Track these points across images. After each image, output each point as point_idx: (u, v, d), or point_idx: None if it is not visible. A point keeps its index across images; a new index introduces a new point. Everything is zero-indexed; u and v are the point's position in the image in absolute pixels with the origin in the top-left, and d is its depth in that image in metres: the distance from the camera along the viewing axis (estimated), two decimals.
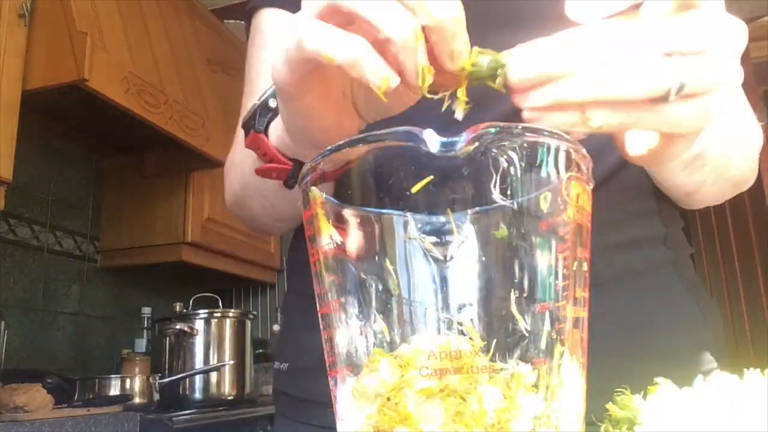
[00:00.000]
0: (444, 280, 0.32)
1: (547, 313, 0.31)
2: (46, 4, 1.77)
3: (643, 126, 0.34)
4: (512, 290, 0.31)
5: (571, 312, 0.31)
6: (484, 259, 0.32)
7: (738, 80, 0.35)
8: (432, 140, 0.30)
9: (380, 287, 0.32)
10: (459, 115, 0.36)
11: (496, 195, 0.31)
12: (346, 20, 0.34)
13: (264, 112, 0.48)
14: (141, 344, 2.42)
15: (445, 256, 0.32)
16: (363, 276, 0.33)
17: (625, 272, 0.57)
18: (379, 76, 0.33)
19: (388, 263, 0.32)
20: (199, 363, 2.03)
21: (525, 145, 0.31)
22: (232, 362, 2.05)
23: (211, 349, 2.06)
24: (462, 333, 0.30)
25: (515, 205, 0.32)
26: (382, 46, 0.34)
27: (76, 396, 1.75)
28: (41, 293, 2.10)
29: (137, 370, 2.12)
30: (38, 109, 1.90)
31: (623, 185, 0.58)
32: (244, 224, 0.71)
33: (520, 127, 0.30)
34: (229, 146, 0.67)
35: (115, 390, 1.82)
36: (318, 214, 0.33)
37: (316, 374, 0.46)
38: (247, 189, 0.61)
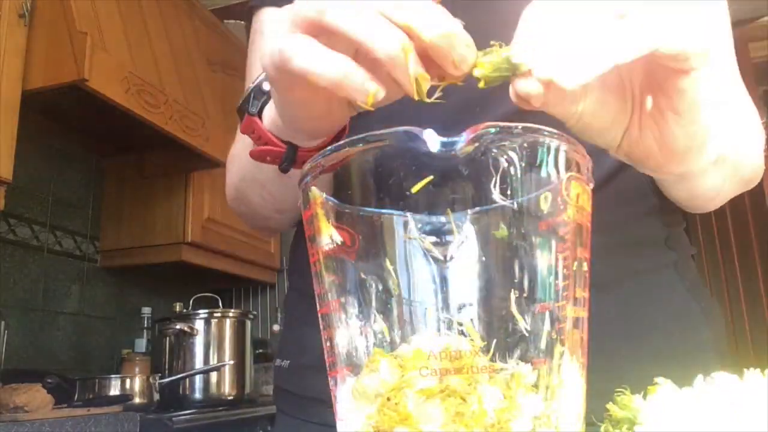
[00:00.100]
0: (444, 280, 0.32)
1: (547, 313, 0.31)
2: (46, 4, 1.77)
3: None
4: (512, 290, 0.31)
5: (571, 312, 0.31)
6: (484, 259, 0.32)
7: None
8: (432, 140, 0.30)
9: (380, 287, 0.32)
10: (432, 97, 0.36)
11: (496, 195, 0.31)
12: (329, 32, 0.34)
13: (258, 95, 0.48)
14: (141, 344, 2.42)
15: (445, 256, 0.32)
16: (363, 276, 0.33)
17: (627, 273, 0.57)
18: (364, 93, 0.34)
19: (388, 263, 0.32)
20: (199, 363, 2.03)
21: (525, 145, 0.31)
22: (232, 362, 2.05)
23: (211, 349, 2.06)
24: (462, 333, 0.30)
25: (515, 205, 0.32)
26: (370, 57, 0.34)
27: (76, 396, 1.75)
28: (41, 293, 2.10)
29: (137, 370, 2.12)
30: (38, 109, 1.90)
31: (624, 186, 0.58)
32: (245, 223, 0.71)
33: (520, 127, 0.30)
34: (229, 146, 0.67)
35: (115, 390, 1.82)
36: (318, 214, 0.33)
37: (317, 372, 0.46)
38: (246, 180, 0.61)
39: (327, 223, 0.33)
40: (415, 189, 0.31)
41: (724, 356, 0.60)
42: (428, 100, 0.34)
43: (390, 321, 0.32)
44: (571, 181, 0.31)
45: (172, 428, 1.60)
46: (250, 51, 0.68)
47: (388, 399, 0.29)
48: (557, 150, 0.31)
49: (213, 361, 2.04)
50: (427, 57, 0.34)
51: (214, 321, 2.09)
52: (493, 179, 0.31)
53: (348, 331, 0.33)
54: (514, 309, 0.31)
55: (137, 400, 1.83)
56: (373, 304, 0.32)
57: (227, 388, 2.05)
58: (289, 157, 0.47)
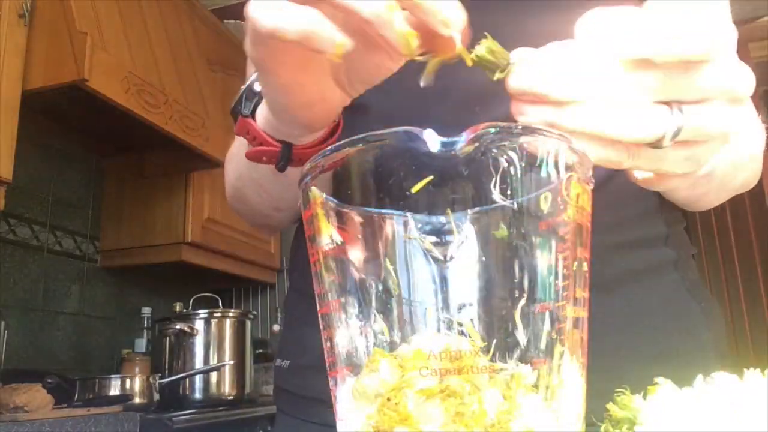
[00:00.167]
0: (444, 280, 0.32)
1: (547, 313, 0.31)
2: (46, 4, 1.77)
3: (637, 166, 0.35)
4: (512, 290, 0.31)
5: (571, 312, 0.31)
6: (484, 259, 0.32)
7: (737, 129, 0.35)
8: (432, 140, 0.30)
9: (380, 287, 0.32)
10: (422, 81, 0.36)
11: (496, 195, 0.31)
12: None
13: (250, 96, 0.48)
14: (141, 344, 2.42)
15: (445, 256, 0.31)
16: (363, 276, 0.33)
17: (626, 272, 0.57)
18: (333, 44, 0.34)
19: (388, 263, 0.32)
20: (199, 363, 2.03)
21: (525, 145, 0.31)
22: (232, 362, 2.05)
23: (211, 349, 2.06)
24: (462, 333, 0.30)
25: (515, 205, 0.32)
26: (359, 24, 0.34)
27: (76, 396, 1.75)
28: (41, 293, 2.10)
29: (137, 370, 2.12)
30: (38, 109, 1.90)
31: (624, 185, 0.58)
32: (245, 221, 0.71)
33: (520, 127, 0.30)
34: (228, 146, 0.67)
35: (115, 390, 1.82)
36: (318, 214, 0.33)
37: (317, 372, 0.46)
38: (242, 179, 0.61)
39: (327, 223, 0.33)
40: (415, 189, 0.31)
41: (724, 356, 0.60)
42: (419, 58, 0.35)
43: (390, 321, 0.32)
44: (571, 181, 0.31)
45: (172, 428, 1.60)
46: None
47: (388, 399, 0.29)
48: (557, 150, 0.31)
49: (213, 361, 2.04)
50: (416, 27, 0.34)
51: (214, 321, 2.09)
52: (493, 179, 0.31)
53: (348, 331, 0.33)
54: (513, 309, 0.31)
55: (137, 400, 1.83)
56: (373, 304, 0.32)
57: (227, 388, 2.05)
58: (285, 156, 0.47)
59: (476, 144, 0.30)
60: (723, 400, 0.32)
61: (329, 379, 0.34)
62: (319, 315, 0.34)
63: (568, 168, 0.31)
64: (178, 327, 2.02)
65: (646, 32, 0.32)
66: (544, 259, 0.32)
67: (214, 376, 2.04)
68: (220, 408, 1.94)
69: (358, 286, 0.33)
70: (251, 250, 2.72)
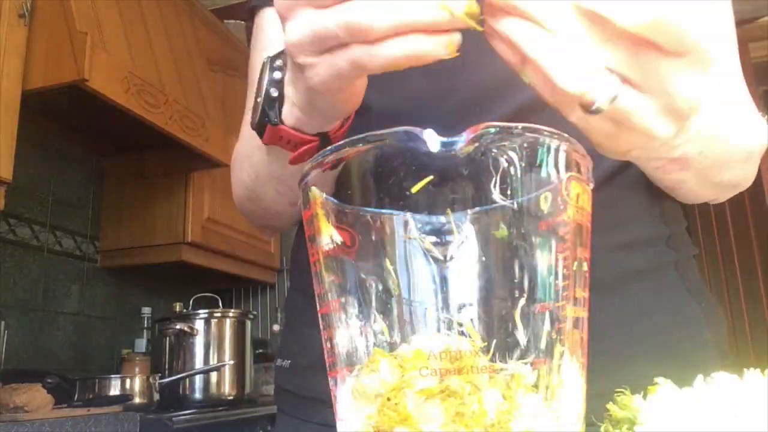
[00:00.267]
0: (444, 280, 0.32)
1: (547, 313, 0.31)
2: (46, 4, 1.77)
3: (571, 120, 0.35)
4: (512, 290, 0.31)
5: (571, 312, 0.31)
6: (484, 259, 0.32)
7: (664, 136, 0.36)
8: (432, 140, 0.30)
9: (380, 287, 0.32)
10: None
11: (496, 195, 0.31)
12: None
13: (271, 105, 0.48)
14: (141, 344, 2.42)
15: (445, 256, 0.31)
16: (363, 276, 0.33)
17: (627, 273, 0.57)
18: (443, 46, 0.34)
19: (388, 263, 0.32)
20: (199, 363, 2.03)
21: (525, 145, 0.31)
22: (232, 362, 2.05)
23: (211, 349, 2.06)
24: (462, 333, 0.30)
25: (515, 205, 0.32)
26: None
27: (76, 396, 1.75)
28: (41, 293, 2.10)
29: (137, 370, 2.12)
30: (38, 109, 1.90)
31: (626, 185, 0.58)
32: (252, 223, 0.71)
33: (520, 127, 0.30)
34: (228, 146, 0.67)
35: (115, 390, 1.82)
36: (318, 214, 0.33)
37: (317, 372, 0.46)
38: (261, 177, 0.61)
39: (327, 223, 0.33)
40: (415, 189, 0.31)
41: (725, 356, 0.60)
42: (480, 28, 0.35)
43: (390, 321, 0.32)
44: (571, 181, 0.31)
45: (172, 428, 1.60)
46: (253, 50, 0.68)
47: (388, 399, 0.29)
48: (557, 150, 0.31)
49: (213, 361, 2.04)
50: None
51: (214, 321, 2.09)
52: (493, 179, 0.31)
53: (348, 331, 0.33)
54: (513, 309, 0.31)
55: (137, 400, 1.83)
56: (373, 304, 0.32)
57: (227, 388, 2.05)
58: (324, 146, 0.47)
59: (476, 144, 0.30)
60: (723, 400, 0.32)
61: (329, 379, 0.34)
62: (319, 315, 0.34)
63: (568, 168, 0.31)
64: (178, 327, 2.02)
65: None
66: (544, 259, 0.32)
67: (214, 376, 2.04)
68: (220, 408, 1.94)
69: (358, 286, 0.33)
70: (251, 250, 2.72)
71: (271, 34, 0.66)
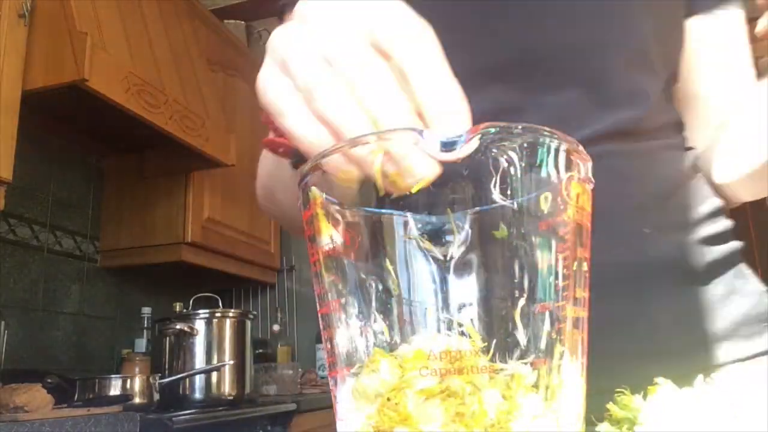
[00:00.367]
0: (444, 280, 0.32)
1: (547, 313, 0.31)
2: (46, 4, 1.77)
3: None
4: (512, 290, 0.31)
5: (571, 312, 0.31)
6: (484, 259, 0.32)
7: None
8: (432, 140, 0.30)
9: (380, 287, 0.32)
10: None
11: (496, 195, 0.31)
12: None
13: None
14: (141, 344, 2.42)
15: (445, 256, 0.31)
16: (363, 276, 0.33)
17: (717, 262, 0.61)
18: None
19: (388, 263, 0.32)
20: (199, 363, 2.03)
21: (525, 145, 0.31)
22: (232, 362, 2.05)
23: (211, 349, 2.06)
24: (462, 333, 0.30)
25: (515, 205, 0.32)
26: None
27: (76, 396, 1.74)
28: (41, 293, 2.10)
29: (137, 370, 2.12)
30: (38, 109, 1.90)
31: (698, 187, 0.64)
32: (281, 225, 0.73)
33: (520, 127, 0.30)
34: (229, 146, 0.68)
35: (115, 390, 1.81)
36: (318, 214, 0.33)
37: None
38: (272, 179, 0.62)
39: (327, 223, 0.33)
40: (415, 189, 0.31)
41: None
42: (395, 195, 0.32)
43: (390, 321, 0.32)
44: (571, 181, 0.31)
45: (172, 428, 1.60)
46: None
47: (388, 399, 0.29)
48: (557, 150, 0.31)
49: (213, 361, 2.04)
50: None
51: (214, 321, 2.09)
52: (493, 179, 0.31)
53: (348, 331, 0.33)
54: (513, 309, 0.31)
55: (137, 400, 1.82)
56: (373, 304, 0.32)
57: (227, 388, 2.05)
58: (297, 154, 0.47)
59: (476, 144, 0.30)
60: (723, 400, 0.32)
61: (329, 379, 0.34)
62: (319, 315, 0.34)
63: (568, 168, 0.31)
64: (178, 327, 2.02)
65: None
66: (544, 259, 0.32)
67: (214, 376, 2.04)
68: (220, 408, 1.94)
69: (358, 286, 0.33)
70: (251, 250, 2.72)
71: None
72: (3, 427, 1.26)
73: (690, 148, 0.66)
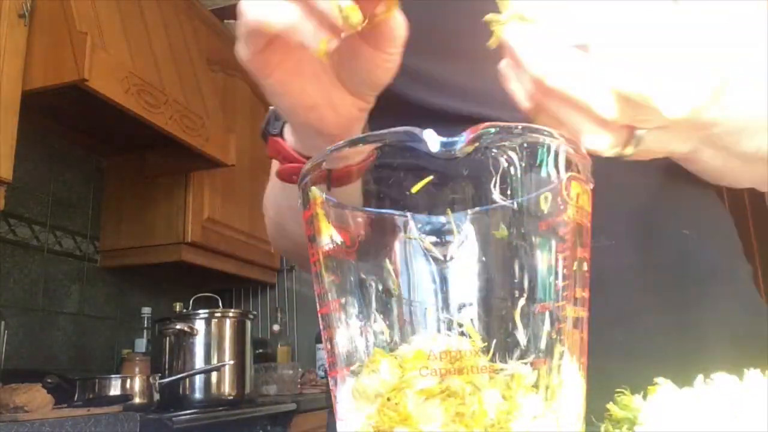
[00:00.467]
0: (444, 280, 0.32)
1: (547, 313, 0.31)
2: (46, 4, 1.77)
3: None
4: (512, 290, 0.31)
5: (571, 312, 0.31)
6: (484, 259, 0.32)
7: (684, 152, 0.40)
8: (432, 140, 0.30)
9: (380, 287, 0.32)
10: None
11: (496, 195, 0.31)
12: None
13: (278, 116, 0.48)
14: (141, 344, 2.41)
15: (445, 256, 0.31)
16: (363, 276, 0.33)
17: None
18: (316, 39, 0.34)
19: (388, 263, 0.32)
20: (199, 363, 2.03)
21: (525, 145, 0.31)
22: (232, 362, 2.05)
23: (211, 349, 2.06)
24: (462, 333, 0.30)
25: (515, 205, 0.32)
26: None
27: (76, 396, 1.74)
28: (41, 293, 2.10)
29: (137, 370, 2.12)
30: (38, 109, 1.90)
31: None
32: (300, 266, 0.72)
33: (520, 127, 0.30)
34: (229, 146, 0.68)
35: (115, 390, 1.81)
36: (318, 214, 0.33)
37: None
38: (281, 212, 0.61)
39: (327, 223, 0.33)
40: (415, 189, 0.31)
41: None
42: (358, 29, 0.34)
43: (390, 321, 0.32)
44: (571, 181, 0.31)
45: (172, 428, 1.60)
46: None
47: (388, 399, 0.29)
48: (557, 150, 0.31)
49: (213, 361, 2.04)
50: None
51: (214, 321, 2.09)
52: (493, 179, 0.31)
53: (348, 331, 0.33)
54: (513, 309, 0.31)
55: (137, 400, 1.82)
56: (373, 304, 0.32)
57: (227, 388, 2.05)
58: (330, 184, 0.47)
59: (476, 144, 0.30)
60: (723, 400, 0.32)
61: (329, 379, 0.34)
62: (319, 315, 0.34)
63: (568, 168, 0.31)
64: (178, 327, 2.02)
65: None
66: (544, 259, 0.32)
67: (214, 376, 2.03)
68: (220, 408, 1.94)
69: (358, 286, 0.33)
70: (251, 250, 2.72)
71: None
72: (3, 427, 1.26)
73: None
